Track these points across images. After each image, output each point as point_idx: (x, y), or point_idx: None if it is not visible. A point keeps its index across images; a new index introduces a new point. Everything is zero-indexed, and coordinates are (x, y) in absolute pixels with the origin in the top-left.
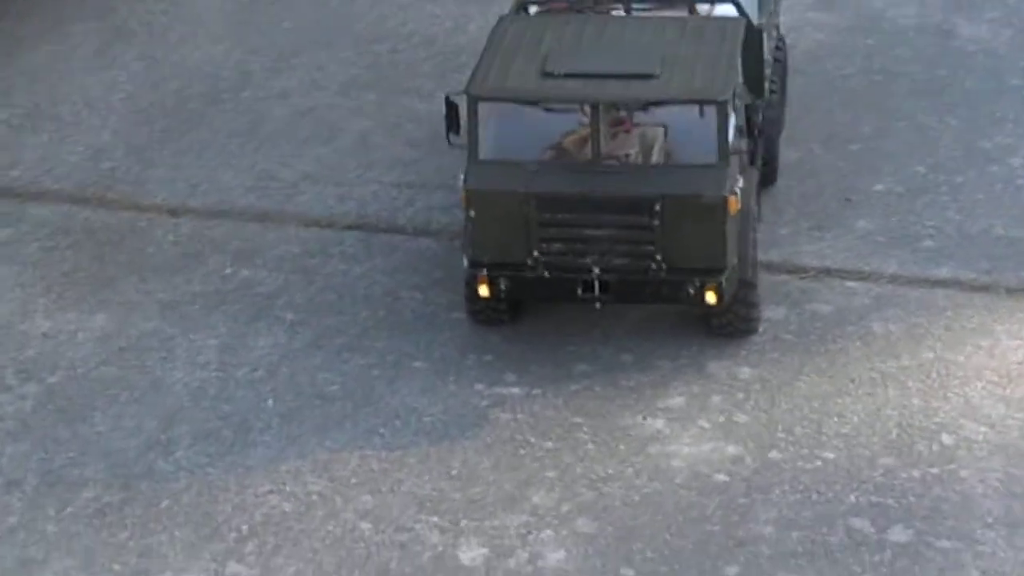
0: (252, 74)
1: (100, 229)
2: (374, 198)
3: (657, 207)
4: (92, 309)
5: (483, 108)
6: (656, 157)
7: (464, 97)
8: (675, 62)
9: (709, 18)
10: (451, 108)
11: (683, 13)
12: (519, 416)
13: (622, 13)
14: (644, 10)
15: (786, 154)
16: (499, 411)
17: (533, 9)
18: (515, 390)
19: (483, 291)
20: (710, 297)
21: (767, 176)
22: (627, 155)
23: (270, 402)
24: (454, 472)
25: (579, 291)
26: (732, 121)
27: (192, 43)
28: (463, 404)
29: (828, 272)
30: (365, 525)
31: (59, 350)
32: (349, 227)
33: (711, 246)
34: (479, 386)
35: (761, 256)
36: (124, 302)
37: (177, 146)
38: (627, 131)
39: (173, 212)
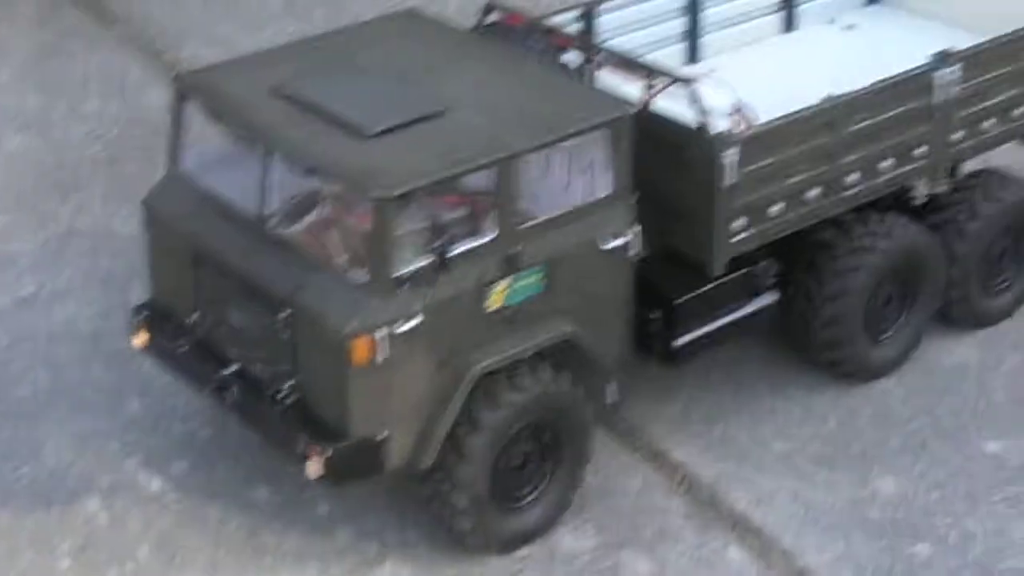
0: None
1: None
2: None
3: (285, 314)
4: None
5: (191, 106)
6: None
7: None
8: None
9: None
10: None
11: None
12: None
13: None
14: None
15: None
16: None
17: (492, 16)
18: None
19: (138, 339)
20: (311, 468)
21: None
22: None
23: None
24: None
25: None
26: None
27: None
28: None
29: None
30: None
31: None
32: None
33: (333, 393)
34: None
35: None
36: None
37: None
38: None
39: None
